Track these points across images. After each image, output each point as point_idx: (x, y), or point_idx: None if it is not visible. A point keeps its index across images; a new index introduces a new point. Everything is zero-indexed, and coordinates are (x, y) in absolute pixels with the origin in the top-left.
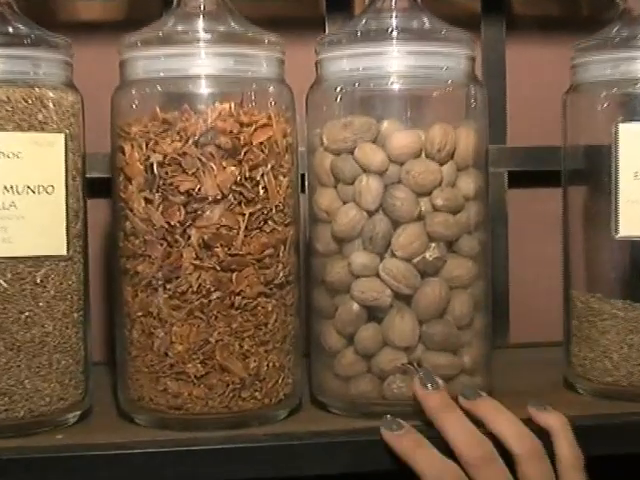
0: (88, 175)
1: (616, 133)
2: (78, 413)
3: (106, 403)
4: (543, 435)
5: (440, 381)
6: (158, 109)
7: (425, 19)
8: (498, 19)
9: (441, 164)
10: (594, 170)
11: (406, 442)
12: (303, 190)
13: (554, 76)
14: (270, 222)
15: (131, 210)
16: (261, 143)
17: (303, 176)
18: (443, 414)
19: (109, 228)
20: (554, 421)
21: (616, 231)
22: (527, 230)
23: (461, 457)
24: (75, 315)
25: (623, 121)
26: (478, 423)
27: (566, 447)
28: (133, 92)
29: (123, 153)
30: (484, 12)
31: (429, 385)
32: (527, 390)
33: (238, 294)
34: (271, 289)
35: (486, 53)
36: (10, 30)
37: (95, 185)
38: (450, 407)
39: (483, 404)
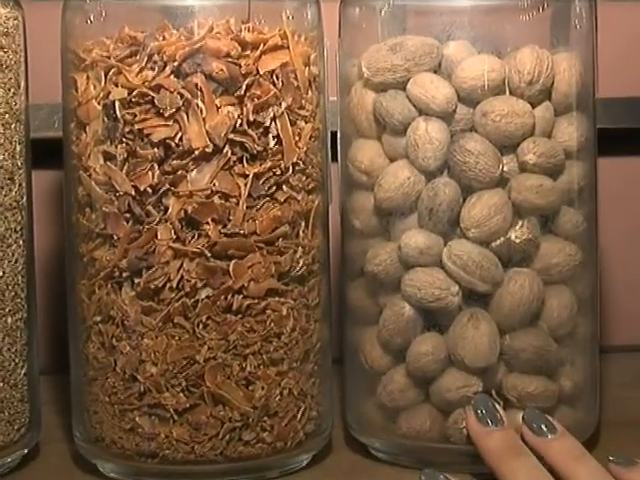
0: (33, 135)
1: None
2: (18, 455)
3: (59, 440)
4: None
5: (502, 414)
6: (126, 27)
7: None
8: None
9: (533, 105)
10: None
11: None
12: (334, 143)
13: None
14: (285, 187)
15: (86, 170)
16: (272, 72)
17: (334, 122)
18: (506, 459)
19: (59, 198)
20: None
21: None
22: (618, 206)
23: None
24: (9, 320)
25: None
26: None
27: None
28: (89, 3)
29: (76, 90)
30: None
31: (489, 421)
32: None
33: (238, 292)
34: (287, 284)
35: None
36: None
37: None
38: (516, 450)
39: (557, 447)
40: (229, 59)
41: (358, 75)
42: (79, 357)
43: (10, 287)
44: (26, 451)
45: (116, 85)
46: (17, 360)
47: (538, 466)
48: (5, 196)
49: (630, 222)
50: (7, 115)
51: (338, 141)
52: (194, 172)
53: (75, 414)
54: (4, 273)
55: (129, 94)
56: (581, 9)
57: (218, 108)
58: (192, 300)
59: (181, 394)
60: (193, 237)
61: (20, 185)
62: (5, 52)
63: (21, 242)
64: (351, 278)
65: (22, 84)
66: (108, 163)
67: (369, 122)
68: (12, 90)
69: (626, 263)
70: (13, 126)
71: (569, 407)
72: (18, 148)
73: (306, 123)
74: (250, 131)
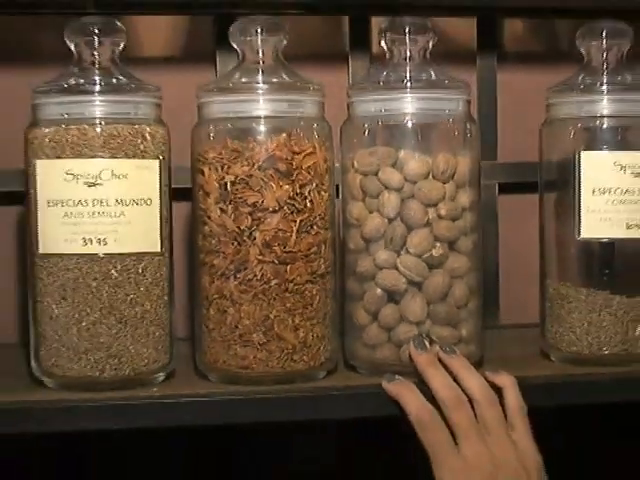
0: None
1: (579, 158)
2: (166, 372)
3: (186, 366)
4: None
5: (428, 345)
6: (229, 141)
7: (432, 71)
8: (491, 53)
9: (444, 183)
10: (563, 185)
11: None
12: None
13: (537, 101)
14: (314, 227)
15: (209, 217)
16: (308, 167)
17: (338, 191)
18: (428, 368)
19: (189, 229)
20: (505, 380)
21: (578, 233)
22: (514, 229)
23: (439, 399)
24: (165, 297)
25: (584, 149)
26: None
27: (513, 398)
28: (210, 127)
29: (202, 174)
30: (479, 48)
31: (420, 348)
32: (511, 358)
33: (291, 281)
34: (315, 278)
35: (480, 81)
36: (114, 81)
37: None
38: (434, 364)
39: (456, 361)
40: (286, 161)
41: (351, 166)
42: (202, 318)
43: (166, 280)
44: (172, 369)
45: (227, 173)
46: (169, 319)
47: (445, 373)
48: (164, 230)
49: (523, 242)
50: (165, 187)
51: (341, 201)
52: (269, 219)
53: (198, 349)
54: (163, 272)
55: (235, 178)
56: (470, 127)
57: (281, 186)
58: (267, 286)
59: (261, 335)
60: (268, 253)
61: (169, 223)
62: (165, 154)
63: (169, 254)
64: (348, 275)
65: (169, 169)
66: (223, 214)
67: (358, 191)
68: (166, 173)
69: (521, 268)
70: (167, 192)
71: (465, 344)
72: (169, 204)
73: (325, 193)
74: (297, 198)
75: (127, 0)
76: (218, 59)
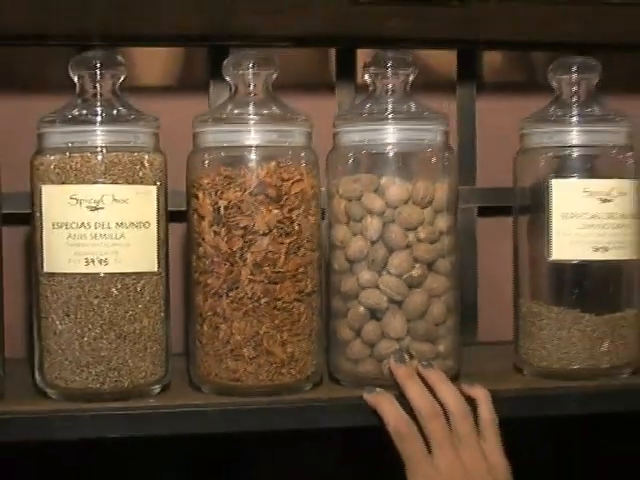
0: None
1: (549, 185)
2: (162, 385)
3: (181, 379)
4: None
5: (407, 359)
6: (223, 168)
7: (412, 103)
8: (470, 84)
9: (423, 208)
10: (535, 209)
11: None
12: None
13: (514, 130)
14: (302, 249)
15: (203, 239)
16: (296, 193)
17: (324, 215)
18: (407, 380)
19: (185, 249)
20: (479, 393)
21: (549, 255)
22: (492, 251)
23: (415, 409)
24: (162, 314)
25: (555, 177)
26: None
27: (486, 411)
28: (205, 155)
29: (197, 199)
30: (459, 78)
31: (399, 361)
32: (486, 372)
33: (280, 300)
34: (302, 296)
35: (460, 110)
36: (115, 112)
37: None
38: (412, 377)
39: (433, 374)
40: (276, 187)
41: (337, 192)
42: (196, 333)
43: (163, 298)
44: (167, 382)
45: (220, 198)
46: (165, 335)
47: (422, 385)
48: (161, 251)
49: (501, 263)
50: (162, 211)
51: (327, 225)
52: (259, 241)
53: (192, 363)
54: (160, 291)
55: (228, 203)
56: (448, 156)
57: (270, 211)
58: (258, 304)
59: (251, 349)
60: (259, 273)
61: (166, 245)
62: (162, 181)
63: (166, 274)
64: (333, 294)
65: (166, 194)
66: (216, 237)
67: (342, 216)
68: (164, 198)
69: (499, 287)
70: (164, 216)
71: (443, 360)
72: (165, 227)
73: (312, 217)
74: (286, 222)
75: (128, 33)
76: (212, 89)
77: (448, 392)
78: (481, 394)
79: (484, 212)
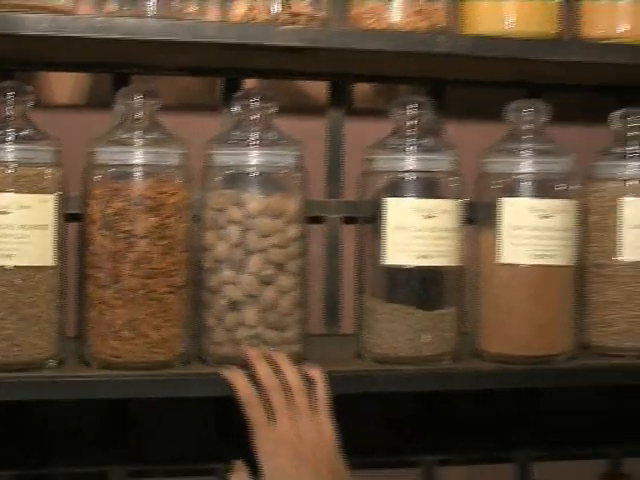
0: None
1: (385, 203)
2: (57, 360)
3: (74, 357)
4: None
5: (259, 344)
6: (111, 182)
7: (272, 132)
8: (339, 109)
9: (276, 219)
10: (374, 221)
11: (253, 354)
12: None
13: None
14: (175, 250)
15: (94, 240)
16: (171, 204)
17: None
18: (256, 361)
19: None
20: (315, 373)
21: (383, 260)
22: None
23: (262, 385)
24: (58, 301)
25: (389, 196)
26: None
27: (321, 388)
28: (96, 171)
29: (89, 206)
30: (330, 102)
31: (251, 346)
32: (334, 358)
33: (154, 292)
34: (174, 289)
35: (329, 132)
36: (22, 134)
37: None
38: (260, 358)
39: (278, 357)
40: (153, 198)
41: (207, 203)
42: (88, 319)
43: (59, 287)
44: (62, 357)
45: (108, 207)
46: (61, 318)
47: (268, 366)
48: (59, 249)
49: None
50: (60, 216)
51: (197, 230)
52: (138, 243)
53: (84, 343)
54: (57, 281)
55: (114, 211)
56: (301, 175)
57: (149, 218)
58: (136, 294)
59: (130, 332)
60: (139, 269)
61: (63, 244)
62: (60, 191)
63: (62, 267)
64: (202, 288)
65: (64, 201)
66: (104, 238)
67: (210, 223)
68: (62, 204)
69: None
70: (61, 220)
71: (289, 345)
72: (63, 229)
73: (184, 224)
74: (161, 228)
75: (45, 61)
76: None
77: (288, 371)
78: (317, 375)
79: (349, 221)
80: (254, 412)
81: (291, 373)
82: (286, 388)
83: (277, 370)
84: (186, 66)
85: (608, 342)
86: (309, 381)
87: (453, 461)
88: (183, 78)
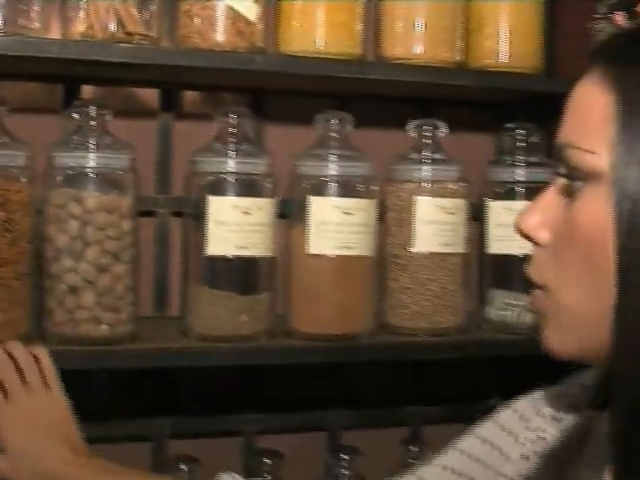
0: None
1: (208, 200)
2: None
3: None
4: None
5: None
6: None
7: (110, 137)
8: (169, 114)
9: (110, 214)
10: (198, 216)
11: None
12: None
13: None
14: (20, 242)
15: None
16: (17, 200)
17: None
18: None
19: None
20: (38, 351)
21: (206, 251)
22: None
23: None
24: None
25: (210, 194)
26: None
27: (47, 365)
28: None
29: None
30: (161, 107)
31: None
32: (160, 336)
33: (2, 278)
34: (19, 276)
35: (160, 133)
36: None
37: None
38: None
39: (9, 342)
40: (1, 195)
41: (50, 200)
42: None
43: None
44: None
45: None
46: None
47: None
48: None
49: None
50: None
51: (41, 224)
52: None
53: None
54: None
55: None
56: (132, 176)
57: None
58: None
59: None
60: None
61: None
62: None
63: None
64: (45, 275)
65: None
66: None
67: (52, 217)
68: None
69: None
70: None
71: (123, 324)
72: None
73: (29, 219)
74: (8, 221)
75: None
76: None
77: (18, 352)
78: (41, 352)
79: (177, 215)
80: None
81: (20, 353)
82: (19, 369)
83: (10, 353)
84: (29, 74)
85: (403, 322)
86: (36, 359)
87: (270, 430)
88: (26, 84)
